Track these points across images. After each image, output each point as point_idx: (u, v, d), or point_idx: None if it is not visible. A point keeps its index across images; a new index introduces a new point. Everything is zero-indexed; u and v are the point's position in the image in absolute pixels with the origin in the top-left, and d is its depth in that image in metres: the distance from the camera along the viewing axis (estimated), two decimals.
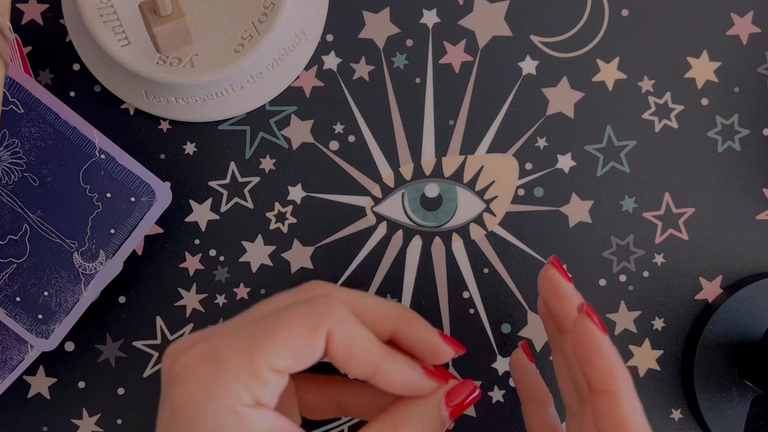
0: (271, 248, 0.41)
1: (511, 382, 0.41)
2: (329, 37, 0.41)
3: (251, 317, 0.30)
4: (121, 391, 0.41)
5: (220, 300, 0.41)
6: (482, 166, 0.41)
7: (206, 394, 0.28)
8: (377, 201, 0.41)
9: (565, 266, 0.41)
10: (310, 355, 0.29)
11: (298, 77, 0.41)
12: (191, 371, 0.28)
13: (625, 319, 0.41)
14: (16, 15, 0.40)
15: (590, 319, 0.31)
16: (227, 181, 0.41)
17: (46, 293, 0.38)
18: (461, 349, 0.34)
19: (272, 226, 0.41)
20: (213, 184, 0.41)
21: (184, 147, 0.41)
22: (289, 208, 0.41)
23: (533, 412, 0.37)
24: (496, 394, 0.41)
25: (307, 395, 0.36)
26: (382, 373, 0.31)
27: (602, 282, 0.41)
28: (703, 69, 0.41)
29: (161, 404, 0.29)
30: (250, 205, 0.41)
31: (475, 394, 0.33)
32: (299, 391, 0.36)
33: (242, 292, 0.41)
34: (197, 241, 0.41)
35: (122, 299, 0.41)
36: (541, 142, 0.41)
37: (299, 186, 0.41)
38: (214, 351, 0.28)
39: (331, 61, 0.41)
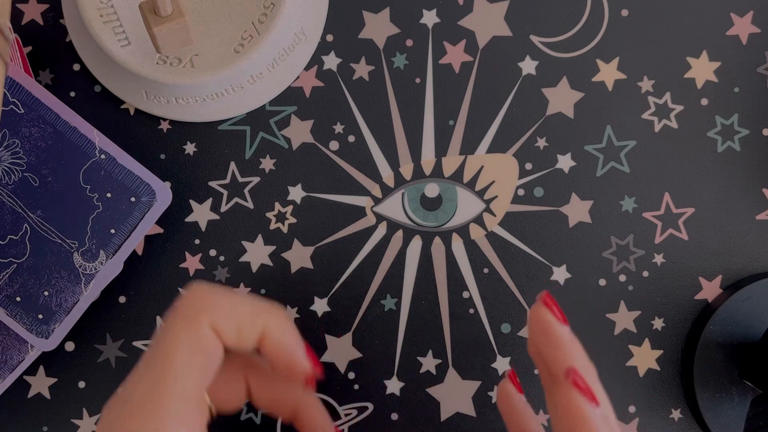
0: (271, 248, 0.41)
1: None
2: (329, 37, 0.41)
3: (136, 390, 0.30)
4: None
5: None
6: (482, 166, 0.41)
7: None
8: (377, 201, 0.41)
9: (565, 266, 0.41)
10: (213, 359, 0.30)
11: (298, 77, 0.41)
12: None
13: (625, 319, 0.41)
14: (16, 15, 0.40)
15: (578, 391, 0.29)
16: (227, 181, 0.41)
17: (46, 293, 0.38)
18: (318, 370, 0.33)
19: (272, 226, 0.41)
20: (213, 184, 0.41)
21: (184, 147, 0.41)
22: (289, 208, 0.41)
23: None
24: (496, 394, 0.41)
25: (217, 382, 0.35)
26: (268, 333, 0.31)
27: (602, 282, 0.41)
28: (702, 69, 0.41)
29: None
30: (250, 205, 0.41)
31: None
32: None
33: (242, 292, 0.41)
34: (197, 241, 0.41)
35: (122, 299, 0.41)
36: (541, 142, 0.41)
37: (299, 186, 0.41)
38: (129, 411, 0.28)
39: (331, 61, 0.41)
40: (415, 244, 0.41)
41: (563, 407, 0.29)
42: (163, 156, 0.41)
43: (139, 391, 0.29)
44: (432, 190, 0.41)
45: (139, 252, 0.41)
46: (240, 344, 0.31)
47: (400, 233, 0.41)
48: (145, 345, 0.41)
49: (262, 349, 0.32)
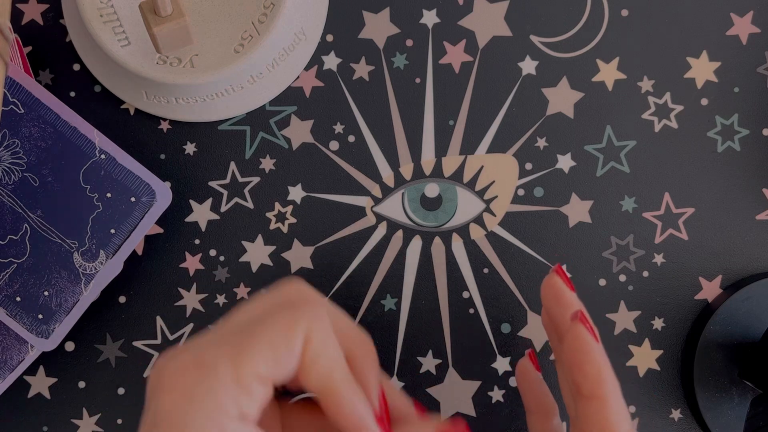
0: (271, 248, 0.41)
1: (512, 382, 0.41)
2: (329, 37, 0.41)
3: (235, 323, 0.29)
4: (121, 391, 0.41)
5: (220, 300, 0.41)
6: (482, 166, 0.41)
7: (190, 403, 0.27)
8: (377, 201, 0.41)
9: (565, 266, 0.41)
10: (288, 355, 0.28)
11: (298, 77, 0.41)
12: (175, 380, 0.27)
13: (625, 319, 0.41)
14: (16, 15, 0.40)
15: (583, 326, 0.31)
16: (227, 181, 0.41)
17: (46, 293, 0.38)
18: (383, 426, 0.30)
19: (272, 226, 0.41)
20: (213, 184, 0.41)
21: (184, 147, 0.41)
22: (289, 208, 0.41)
23: (538, 422, 0.37)
24: (496, 394, 0.41)
25: (292, 422, 0.34)
26: (334, 394, 0.29)
27: (602, 282, 0.41)
28: (702, 69, 0.41)
29: (144, 412, 0.28)
30: (250, 205, 0.41)
31: None
32: (285, 419, 0.34)
33: (242, 292, 0.41)
34: (197, 241, 0.41)
35: (122, 299, 0.41)
36: (541, 142, 0.41)
37: (299, 186, 0.41)
38: (198, 359, 0.27)
39: (331, 61, 0.41)
40: (415, 244, 0.41)
41: (569, 345, 0.31)
42: (163, 156, 0.41)
43: (209, 348, 0.27)
44: (432, 190, 0.41)
45: (139, 252, 0.41)
46: (309, 371, 0.28)
47: (400, 233, 0.41)
48: (145, 345, 0.41)
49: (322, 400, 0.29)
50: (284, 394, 0.33)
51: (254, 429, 0.27)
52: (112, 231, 0.38)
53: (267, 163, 0.41)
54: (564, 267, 0.41)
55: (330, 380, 0.28)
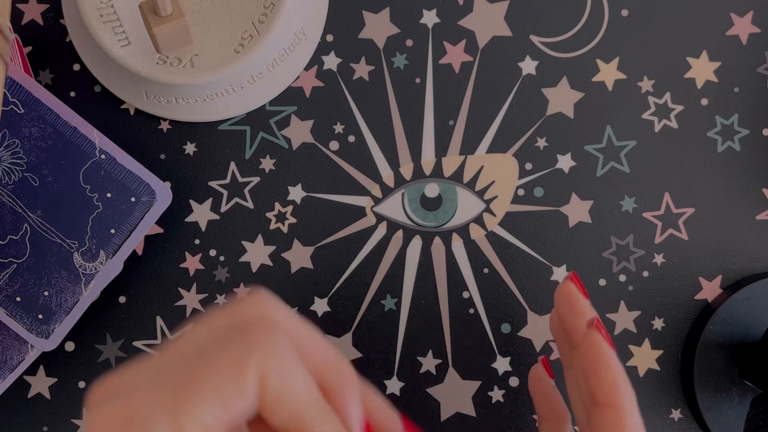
0: (271, 248, 0.41)
1: (512, 382, 0.41)
2: (329, 37, 0.41)
3: (178, 354, 0.24)
4: None
5: (220, 300, 0.41)
6: (482, 166, 0.41)
7: None
8: (377, 201, 0.41)
9: (564, 266, 0.41)
10: (240, 399, 0.23)
11: (298, 77, 0.41)
12: None
13: (624, 319, 0.41)
14: (16, 15, 0.40)
15: (599, 333, 0.31)
16: (227, 181, 0.41)
17: (46, 293, 0.38)
18: None
19: (272, 226, 0.41)
20: (213, 184, 0.41)
21: (184, 147, 0.41)
22: (289, 208, 0.41)
23: (551, 430, 0.37)
24: (496, 394, 0.41)
25: None
26: None
27: (602, 282, 0.41)
28: (702, 69, 0.41)
29: None
30: (250, 205, 0.41)
31: None
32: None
33: (242, 292, 0.41)
34: (197, 241, 0.41)
35: (122, 299, 0.41)
36: (541, 142, 0.41)
37: (299, 186, 0.41)
38: (127, 412, 0.23)
39: (331, 61, 0.41)
40: (415, 244, 0.41)
41: (585, 351, 0.31)
42: (163, 156, 0.41)
43: (145, 398, 0.23)
44: (432, 190, 0.41)
45: (139, 252, 0.41)
46: (271, 415, 0.24)
47: (400, 233, 0.41)
48: (145, 345, 0.41)
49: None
50: None
51: None
52: (112, 231, 0.38)
53: (267, 163, 0.41)
54: (564, 267, 0.41)
55: (300, 421, 0.24)
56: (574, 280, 0.34)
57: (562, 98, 0.41)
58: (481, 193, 0.41)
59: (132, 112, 0.41)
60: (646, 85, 0.41)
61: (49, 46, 0.41)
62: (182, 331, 0.24)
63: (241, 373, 0.23)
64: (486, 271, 0.41)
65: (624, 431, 0.30)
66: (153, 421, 0.22)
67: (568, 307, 0.34)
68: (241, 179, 0.41)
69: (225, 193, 0.41)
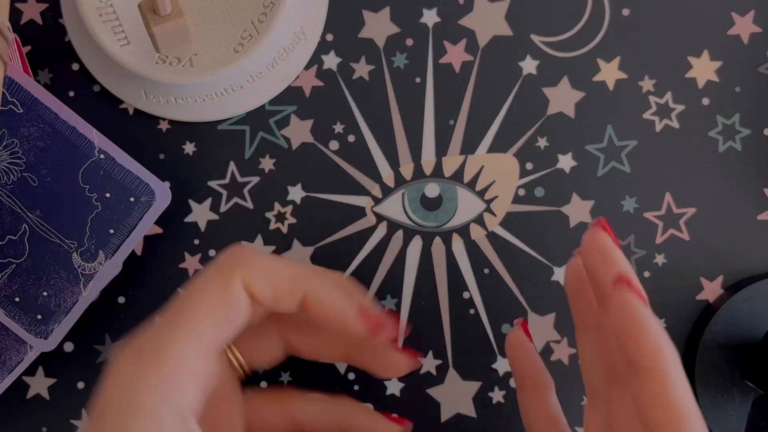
0: (271, 248, 0.41)
1: (512, 383, 0.41)
2: (329, 37, 0.41)
3: (176, 301, 0.29)
4: None
5: None
6: (482, 166, 0.41)
7: (127, 399, 0.25)
8: (377, 201, 0.41)
9: (565, 266, 0.41)
10: (237, 314, 0.27)
11: (298, 77, 0.41)
12: (116, 373, 0.26)
13: None
14: (15, 15, 0.40)
15: (630, 291, 0.28)
16: (227, 181, 0.41)
17: (45, 293, 0.38)
18: (380, 330, 0.31)
19: (272, 226, 0.41)
20: (212, 184, 0.41)
21: (183, 147, 0.41)
22: (289, 208, 0.41)
23: (532, 399, 0.35)
24: (497, 395, 0.41)
25: (258, 414, 0.34)
26: (312, 297, 0.29)
27: None
28: (704, 68, 0.41)
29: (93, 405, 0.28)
30: (249, 205, 0.41)
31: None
32: (251, 411, 0.34)
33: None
34: (197, 241, 0.41)
35: (122, 299, 0.41)
36: (542, 142, 0.41)
37: (299, 186, 0.41)
38: (137, 348, 0.27)
39: (331, 61, 0.41)
40: (415, 245, 0.41)
41: (615, 312, 0.28)
42: (162, 156, 0.41)
43: (150, 333, 0.27)
44: (432, 190, 0.41)
45: (139, 252, 0.41)
46: (277, 306, 0.29)
47: (400, 233, 0.41)
48: None
49: (308, 314, 0.30)
50: (248, 382, 0.34)
51: (195, 426, 0.26)
52: (111, 231, 0.38)
53: (267, 163, 0.41)
54: (564, 268, 0.41)
55: (298, 291, 0.29)
56: (605, 228, 0.30)
57: (562, 98, 0.41)
58: (481, 193, 0.41)
59: (131, 111, 0.41)
60: (647, 84, 0.41)
61: (48, 46, 0.40)
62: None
63: (227, 288, 0.27)
64: (486, 271, 0.41)
65: (670, 400, 0.26)
66: (153, 353, 0.26)
67: (601, 256, 0.29)
68: (240, 179, 0.41)
69: (224, 193, 0.41)
